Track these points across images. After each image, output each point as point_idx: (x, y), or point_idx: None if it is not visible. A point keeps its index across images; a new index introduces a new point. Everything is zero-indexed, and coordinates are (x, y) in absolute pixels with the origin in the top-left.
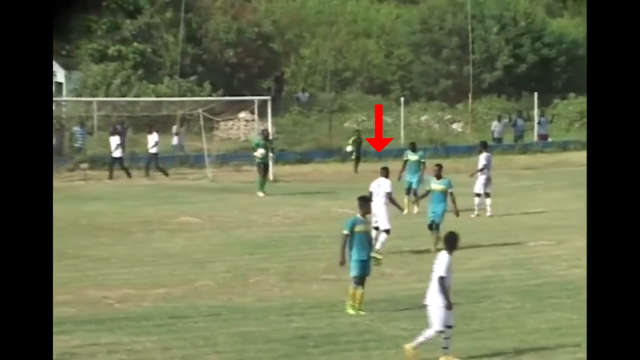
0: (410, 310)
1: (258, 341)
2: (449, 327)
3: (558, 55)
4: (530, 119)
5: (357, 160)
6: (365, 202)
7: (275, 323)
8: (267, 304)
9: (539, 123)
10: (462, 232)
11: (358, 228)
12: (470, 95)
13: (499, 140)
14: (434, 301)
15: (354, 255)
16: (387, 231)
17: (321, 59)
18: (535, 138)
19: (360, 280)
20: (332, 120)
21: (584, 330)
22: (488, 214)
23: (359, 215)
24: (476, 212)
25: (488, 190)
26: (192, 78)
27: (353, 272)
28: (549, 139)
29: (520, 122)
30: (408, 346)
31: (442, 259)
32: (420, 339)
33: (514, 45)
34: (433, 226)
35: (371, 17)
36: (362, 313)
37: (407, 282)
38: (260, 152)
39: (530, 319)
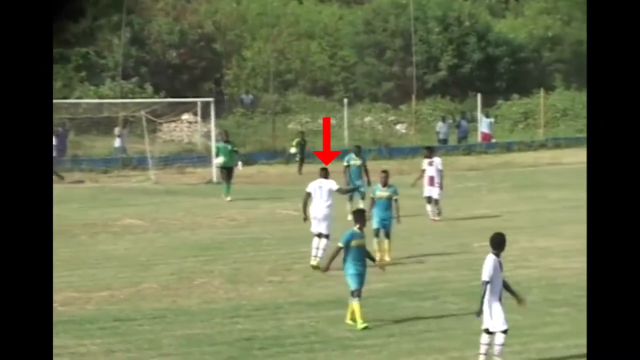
0: None
1: (203, 343)
2: (489, 332)
3: (502, 56)
4: (474, 120)
5: (302, 161)
6: (361, 214)
7: (220, 325)
8: (212, 306)
9: (483, 123)
10: (408, 234)
11: (355, 242)
12: (413, 97)
13: (445, 141)
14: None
15: (350, 270)
16: (327, 237)
17: (263, 61)
18: (479, 135)
19: (358, 293)
20: (275, 121)
21: (530, 331)
22: (433, 217)
23: (356, 229)
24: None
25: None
26: (134, 79)
27: (352, 286)
28: (493, 140)
29: (464, 123)
30: None
31: (488, 262)
32: (496, 348)
33: (457, 44)
34: (380, 233)
35: (313, 18)
36: (361, 325)
37: None
38: (219, 160)
39: (475, 320)
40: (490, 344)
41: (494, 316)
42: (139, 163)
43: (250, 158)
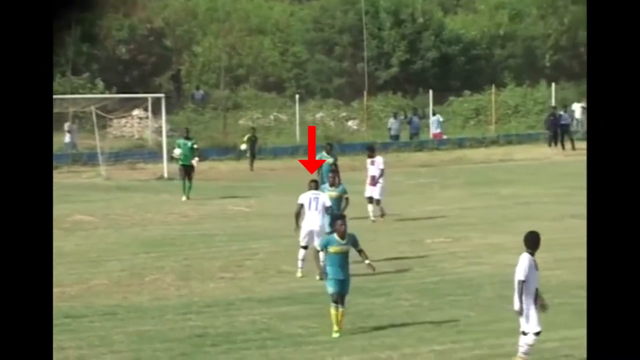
0: (309, 308)
1: (155, 340)
2: (537, 333)
3: (455, 53)
4: (425, 116)
5: (253, 158)
6: (342, 221)
7: (172, 322)
8: (164, 303)
9: (434, 123)
10: (360, 231)
11: (333, 249)
12: (365, 93)
13: (397, 137)
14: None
15: (330, 274)
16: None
17: (214, 56)
18: (431, 135)
19: (338, 298)
20: (226, 117)
21: (483, 327)
22: (373, 218)
23: (335, 236)
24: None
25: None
26: (85, 75)
27: (330, 289)
28: (444, 137)
29: (415, 119)
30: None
31: (523, 261)
32: (521, 349)
33: (409, 41)
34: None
35: (265, 14)
36: (335, 334)
37: (306, 280)
38: (177, 151)
39: (428, 317)
40: (529, 345)
41: (529, 317)
42: (89, 159)
43: (202, 154)
